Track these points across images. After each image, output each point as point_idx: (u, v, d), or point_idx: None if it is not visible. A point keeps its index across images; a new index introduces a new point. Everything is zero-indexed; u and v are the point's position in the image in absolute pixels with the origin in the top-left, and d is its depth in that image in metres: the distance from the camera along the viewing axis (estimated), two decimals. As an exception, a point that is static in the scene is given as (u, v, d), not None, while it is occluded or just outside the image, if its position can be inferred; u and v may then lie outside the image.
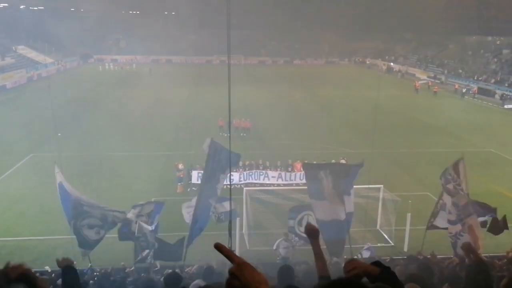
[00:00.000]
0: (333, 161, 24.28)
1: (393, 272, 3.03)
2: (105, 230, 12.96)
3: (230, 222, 9.71)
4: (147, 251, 12.78)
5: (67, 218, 13.10)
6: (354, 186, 19.96)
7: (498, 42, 69.79)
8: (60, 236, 15.59)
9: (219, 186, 12.93)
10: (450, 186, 13.14)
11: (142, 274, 12.29)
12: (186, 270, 12.58)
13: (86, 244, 12.93)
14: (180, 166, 22.84)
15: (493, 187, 23.41)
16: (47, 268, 12.87)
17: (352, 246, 14.58)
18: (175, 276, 8.70)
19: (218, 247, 2.13)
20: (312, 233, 3.98)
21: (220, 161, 12.54)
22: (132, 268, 12.79)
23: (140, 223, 12.89)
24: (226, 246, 2.13)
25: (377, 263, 3.08)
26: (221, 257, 2.17)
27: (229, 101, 7.78)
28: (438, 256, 12.35)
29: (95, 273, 12.73)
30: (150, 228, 12.96)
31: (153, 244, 12.85)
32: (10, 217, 19.66)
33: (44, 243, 17.04)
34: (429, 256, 12.48)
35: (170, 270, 12.43)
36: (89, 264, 13.28)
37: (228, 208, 12.99)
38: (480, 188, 21.60)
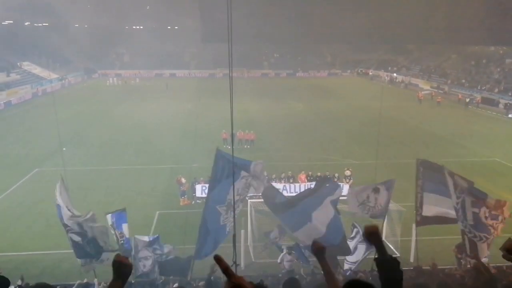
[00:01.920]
0: (336, 174, 24.23)
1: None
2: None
3: (234, 235, 9.65)
4: (149, 267, 12.61)
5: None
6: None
7: (501, 52, 69.85)
8: (65, 250, 15.56)
9: (227, 193, 12.34)
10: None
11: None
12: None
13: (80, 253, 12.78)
14: (183, 180, 22.88)
15: (501, 195, 23.26)
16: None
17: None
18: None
19: (218, 259, 2.16)
20: (319, 251, 3.86)
21: (224, 168, 12.39)
22: (133, 282, 12.71)
23: (136, 237, 12.83)
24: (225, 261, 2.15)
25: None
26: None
27: (232, 114, 7.80)
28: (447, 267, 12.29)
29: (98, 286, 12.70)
30: (147, 239, 12.86)
31: (154, 258, 12.69)
32: (16, 232, 19.67)
33: (49, 257, 17.02)
34: (428, 267, 12.40)
35: (176, 285, 12.39)
36: (95, 279, 13.25)
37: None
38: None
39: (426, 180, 14.05)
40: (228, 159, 12.28)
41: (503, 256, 2.68)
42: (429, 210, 14.02)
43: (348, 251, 13.20)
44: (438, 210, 13.96)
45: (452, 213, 13.53)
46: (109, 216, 13.28)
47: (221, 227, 12.51)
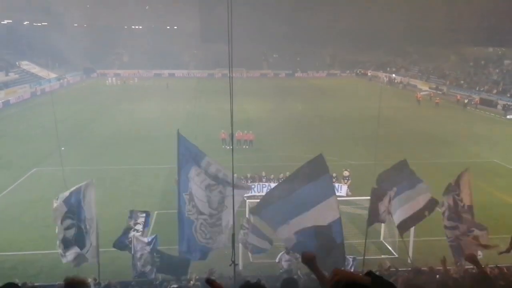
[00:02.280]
0: (334, 175, 24.20)
1: (388, 282, 2.92)
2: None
3: (233, 234, 9.61)
4: (148, 266, 12.61)
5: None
6: (358, 198, 19.93)
7: (499, 53, 69.96)
8: (63, 250, 15.55)
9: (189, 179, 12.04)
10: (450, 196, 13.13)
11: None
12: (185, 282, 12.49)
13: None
14: (180, 180, 22.82)
15: (500, 197, 23.31)
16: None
17: (357, 258, 14.54)
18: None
19: (210, 283, 2.16)
20: (309, 260, 3.81)
21: (182, 154, 11.98)
22: (132, 282, 12.71)
23: (136, 235, 12.82)
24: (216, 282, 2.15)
25: (369, 273, 2.98)
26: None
27: (231, 114, 7.80)
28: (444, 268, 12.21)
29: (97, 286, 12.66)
30: (146, 240, 12.86)
31: (153, 257, 12.72)
32: (13, 231, 19.62)
33: (47, 257, 16.95)
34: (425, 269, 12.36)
35: (175, 286, 12.35)
36: (94, 278, 13.22)
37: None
38: (486, 199, 21.55)
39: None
40: (186, 147, 12.04)
41: None
42: (399, 215, 13.69)
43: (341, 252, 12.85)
44: (406, 208, 13.70)
45: (415, 202, 13.40)
46: (143, 215, 13.85)
47: (187, 221, 11.95)
